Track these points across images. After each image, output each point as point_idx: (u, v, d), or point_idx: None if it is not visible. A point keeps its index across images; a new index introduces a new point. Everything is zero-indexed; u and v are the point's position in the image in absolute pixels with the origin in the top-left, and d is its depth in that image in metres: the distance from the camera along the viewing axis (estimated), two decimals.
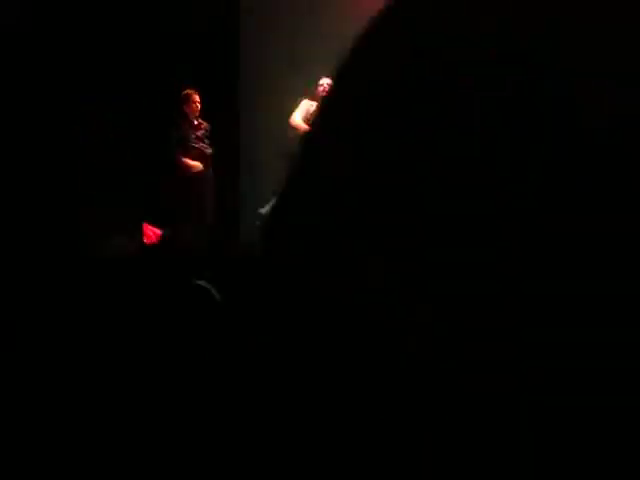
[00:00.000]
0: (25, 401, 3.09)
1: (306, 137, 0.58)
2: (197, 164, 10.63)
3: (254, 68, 11.31)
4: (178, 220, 10.53)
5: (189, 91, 10.67)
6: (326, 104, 0.59)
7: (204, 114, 10.79)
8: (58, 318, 3.81)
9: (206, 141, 10.75)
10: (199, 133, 10.73)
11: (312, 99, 10.03)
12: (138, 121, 10.67)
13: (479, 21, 0.53)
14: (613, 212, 0.48)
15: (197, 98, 10.73)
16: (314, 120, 0.59)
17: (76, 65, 10.20)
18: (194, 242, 10.00)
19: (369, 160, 0.54)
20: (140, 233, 10.11)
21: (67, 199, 9.69)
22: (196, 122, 10.72)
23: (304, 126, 9.94)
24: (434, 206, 0.51)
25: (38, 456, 2.84)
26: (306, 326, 0.54)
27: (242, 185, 11.27)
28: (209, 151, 10.75)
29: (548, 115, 0.50)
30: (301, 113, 10.18)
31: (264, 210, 10.06)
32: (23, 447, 2.86)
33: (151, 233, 10.42)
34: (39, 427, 2.95)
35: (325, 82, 9.73)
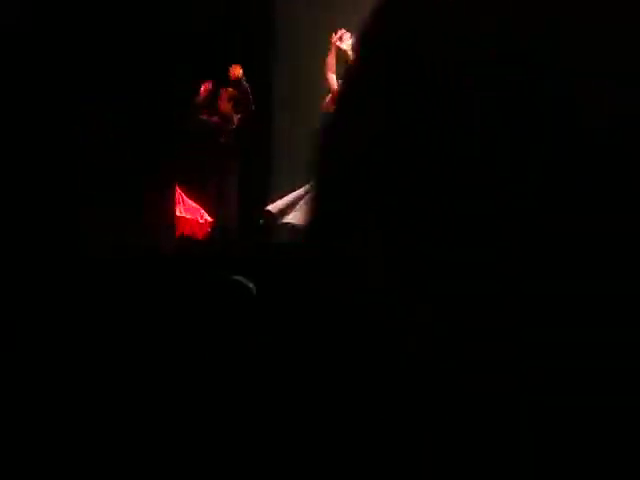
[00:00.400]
0: (29, 402, 3.09)
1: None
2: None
3: (287, 63, 11.32)
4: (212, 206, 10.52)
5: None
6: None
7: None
8: (60, 318, 3.81)
9: (231, 134, 10.81)
10: (229, 126, 10.79)
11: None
12: (138, 121, 10.68)
13: (479, 21, 0.53)
14: (613, 212, 0.48)
15: (230, 90, 10.79)
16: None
17: (76, 65, 10.20)
18: (221, 239, 10.01)
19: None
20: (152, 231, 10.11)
21: (67, 199, 9.69)
22: (229, 114, 10.77)
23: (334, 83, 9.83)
24: (434, 205, 0.51)
25: (53, 455, 2.84)
26: (307, 326, 0.54)
27: (275, 180, 11.24)
28: (235, 142, 10.82)
29: (548, 115, 0.50)
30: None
31: (271, 207, 9.97)
32: (37, 446, 2.86)
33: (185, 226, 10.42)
34: (49, 428, 2.94)
35: (341, 33, 9.59)
